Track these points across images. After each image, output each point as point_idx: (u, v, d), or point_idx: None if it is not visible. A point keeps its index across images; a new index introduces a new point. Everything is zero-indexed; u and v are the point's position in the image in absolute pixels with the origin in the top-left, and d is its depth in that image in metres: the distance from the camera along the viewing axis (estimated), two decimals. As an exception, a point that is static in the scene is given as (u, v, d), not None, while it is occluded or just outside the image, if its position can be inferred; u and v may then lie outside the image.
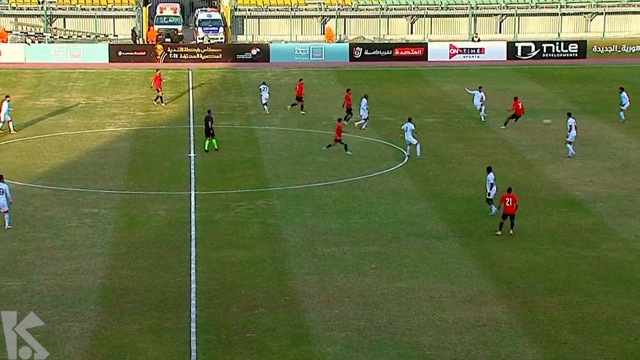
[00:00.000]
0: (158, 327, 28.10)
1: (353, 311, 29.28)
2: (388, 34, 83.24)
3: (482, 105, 55.47)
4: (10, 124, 51.82)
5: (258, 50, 76.97)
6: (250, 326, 28.23)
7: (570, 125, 47.56)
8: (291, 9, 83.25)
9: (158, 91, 59.92)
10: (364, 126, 53.12)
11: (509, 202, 35.88)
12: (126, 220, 37.99)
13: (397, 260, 33.42)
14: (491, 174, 37.99)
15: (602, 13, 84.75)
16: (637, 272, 32.40)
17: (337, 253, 34.31)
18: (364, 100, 53.43)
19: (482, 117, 55.36)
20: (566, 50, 78.33)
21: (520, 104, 53.29)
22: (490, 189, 37.96)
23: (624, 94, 54.92)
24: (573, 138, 47.62)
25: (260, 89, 58.66)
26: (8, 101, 52.10)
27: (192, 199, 40.70)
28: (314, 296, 30.44)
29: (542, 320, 28.66)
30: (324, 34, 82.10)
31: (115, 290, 30.88)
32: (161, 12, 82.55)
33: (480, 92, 55.76)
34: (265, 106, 57.70)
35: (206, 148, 48.09)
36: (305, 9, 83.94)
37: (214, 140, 48.37)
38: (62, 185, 42.36)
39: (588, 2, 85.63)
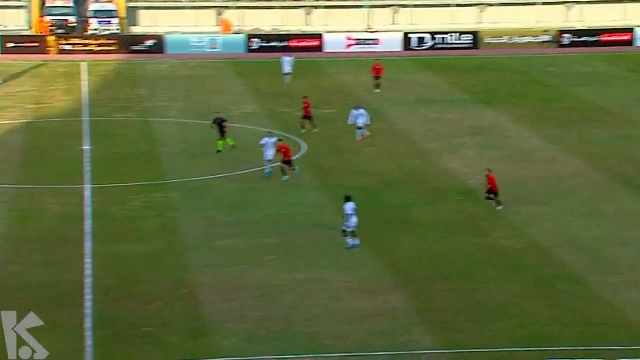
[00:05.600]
0: (52, 323, 27.51)
1: (250, 303, 29.22)
2: (284, 25, 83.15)
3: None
4: None
5: (154, 41, 76.09)
6: (148, 320, 27.94)
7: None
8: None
9: None
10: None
11: (490, 182, 37.72)
12: (18, 215, 37.20)
13: (294, 252, 33.45)
14: (350, 203, 33.72)
15: (494, 4, 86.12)
16: (528, 259, 33.05)
17: (235, 245, 34.19)
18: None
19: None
20: (460, 41, 79.40)
21: (306, 104, 50.65)
22: (348, 220, 33.65)
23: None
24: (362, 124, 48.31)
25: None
26: None
27: (87, 192, 40.07)
28: (212, 289, 30.29)
29: (437, 308, 29.03)
30: (219, 25, 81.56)
31: (7, 286, 30.22)
32: (52, 3, 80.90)
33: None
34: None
35: (219, 149, 45.69)
36: (201, 0, 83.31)
37: (227, 140, 46.04)
38: (-49, 180, 41.30)
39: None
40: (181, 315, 28.38)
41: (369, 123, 48.80)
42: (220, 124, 46.30)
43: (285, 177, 41.66)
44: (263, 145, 42.01)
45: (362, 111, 49.02)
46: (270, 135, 42.66)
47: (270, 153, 41.85)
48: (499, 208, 37.74)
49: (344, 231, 33.67)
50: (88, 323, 27.57)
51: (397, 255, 33.56)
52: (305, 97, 51.24)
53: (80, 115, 54.53)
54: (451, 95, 61.54)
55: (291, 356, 25.88)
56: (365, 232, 35.45)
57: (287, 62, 63.77)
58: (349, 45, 78.13)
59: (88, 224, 36.06)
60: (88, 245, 33.89)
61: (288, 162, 41.87)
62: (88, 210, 37.69)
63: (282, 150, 41.92)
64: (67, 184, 41.28)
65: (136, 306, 28.95)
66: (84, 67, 69.47)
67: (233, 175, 42.58)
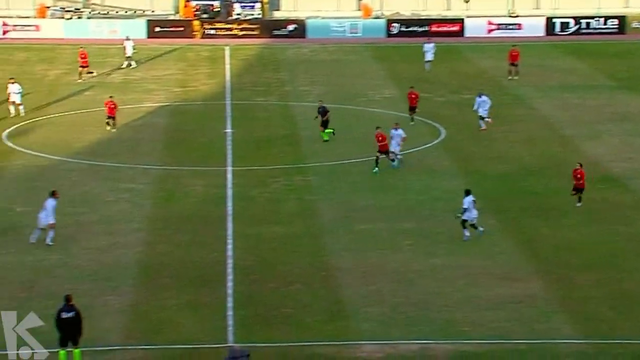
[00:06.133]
0: (195, 302, 28.33)
1: (388, 287, 29.35)
2: (424, 9, 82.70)
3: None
4: (21, 107, 50.06)
5: (295, 26, 76.87)
6: (287, 302, 28.38)
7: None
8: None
9: (84, 67, 59.58)
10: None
11: (579, 177, 36.04)
12: (163, 196, 38.24)
13: (432, 237, 33.38)
14: (469, 197, 32.90)
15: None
16: (676, 249, 32.19)
17: (373, 229, 34.35)
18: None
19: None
20: (605, 26, 77.50)
21: (414, 95, 48.89)
22: (470, 213, 32.76)
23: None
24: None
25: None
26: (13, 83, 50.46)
27: (229, 174, 40.87)
28: (350, 272, 30.54)
29: (578, 296, 28.56)
30: (359, 9, 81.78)
31: (152, 265, 31.14)
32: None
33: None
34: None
35: (326, 138, 45.49)
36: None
37: (326, 130, 45.64)
38: (99, 160, 42.69)
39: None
40: (320, 298, 28.71)
41: (484, 114, 47.31)
42: (323, 113, 45.69)
43: (394, 164, 40.93)
44: (390, 137, 41.30)
45: (484, 98, 47.78)
46: (397, 126, 41.90)
47: (395, 147, 40.95)
48: (579, 204, 36.10)
49: (464, 222, 32.91)
50: (229, 303, 28.17)
51: (536, 242, 33.15)
52: (412, 87, 49.86)
53: (223, 99, 55.57)
54: (595, 81, 60.22)
55: (428, 341, 25.90)
56: (504, 219, 35.15)
57: (429, 49, 63.12)
58: (490, 30, 77.22)
59: (230, 206, 36.79)
60: (230, 227, 34.59)
61: (385, 153, 40.81)
62: (230, 192, 38.45)
63: (379, 138, 40.77)
64: (210, 166, 42.18)
65: (276, 287, 29.43)
66: (227, 51, 70.73)
67: (371, 159, 42.68)
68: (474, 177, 40.36)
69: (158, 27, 76.17)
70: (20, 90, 50.28)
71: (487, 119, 47.76)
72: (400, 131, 41.44)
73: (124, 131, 48.10)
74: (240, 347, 24.56)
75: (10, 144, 45.24)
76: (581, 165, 36.63)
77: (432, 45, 63.34)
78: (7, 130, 47.51)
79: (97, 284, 29.43)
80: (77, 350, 24.25)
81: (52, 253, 31.83)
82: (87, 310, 25.92)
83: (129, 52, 63.92)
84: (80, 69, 59.63)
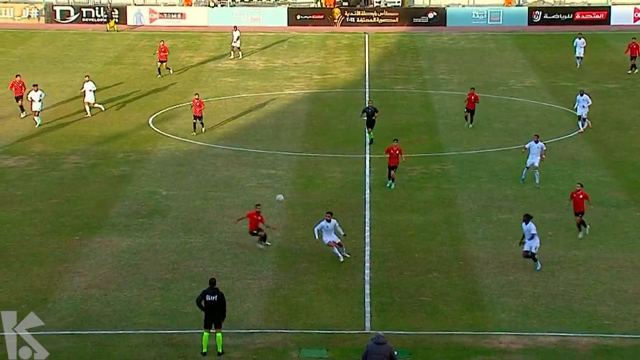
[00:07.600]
0: (333, 287, 28.62)
1: (528, 278, 29.04)
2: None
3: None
4: (87, 106, 48.17)
5: (435, 14, 76.46)
6: (424, 290, 28.40)
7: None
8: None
9: (162, 62, 57.61)
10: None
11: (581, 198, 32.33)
12: (302, 182, 38.69)
13: (574, 228, 32.78)
14: (530, 224, 29.56)
15: None
16: None
17: (512, 219, 33.96)
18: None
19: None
20: None
21: (474, 96, 45.50)
22: (529, 240, 29.46)
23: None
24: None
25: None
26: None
27: (367, 162, 41.04)
28: (488, 262, 30.33)
29: None
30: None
31: (291, 250, 31.58)
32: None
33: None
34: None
35: (372, 136, 43.62)
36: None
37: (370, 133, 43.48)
38: (241, 146, 43.46)
39: None
40: (457, 287, 28.63)
41: (582, 114, 44.66)
42: (371, 113, 43.73)
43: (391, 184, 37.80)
44: (527, 149, 37.96)
45: (585, 97, 44.67)
46: (537, 139, 37.88)
47: (532, 160, 37.49)
48: (580, 235, 32.09)
49: (532, 255, 29.49)
50: (367, 289, 28.35)
51: (683, 237, 32.26)
52: (473, 88, 46.84)
53: (362, 86, 55.74)
54: None
55: (569, 334, 25.54)
56: (649, 212, 34.38)
57: (580, 44, 60.21)
58: (637, 19, 75.13)
59: (367, 193, 36.95)
60: (367, 214, 34.76)
61: (393, 167, 37.56)
62: (367, 180, 38.62)
63: (392, 152, 37.58)
64: (348, 153, 42.44)
65: (412, 275, 29.48)
66: (366, 38, 70.86)
67: (510, 149, 42.23)
68: (619, 168, 39.52)
69: (299, 15, 76.94)
70: (93, 89, 48.40)
71: (587, 122, 44.67)
72: (540, 144, 37.78)
73: (265, 118, 48.84)
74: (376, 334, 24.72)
75: (156, 129, 46.51)
76: (581, 186, 32.83)
77: (582, 40, 60.99)
78: (154, 116, 48.86)
79: (238, 267, 30.04)
80: (219, 334, 24.78)
81: (195, 236, 32.63)
82: (228, 293, 26.45)
83: (236, 42, 63.73)
84: (159, 63, 57.80)
